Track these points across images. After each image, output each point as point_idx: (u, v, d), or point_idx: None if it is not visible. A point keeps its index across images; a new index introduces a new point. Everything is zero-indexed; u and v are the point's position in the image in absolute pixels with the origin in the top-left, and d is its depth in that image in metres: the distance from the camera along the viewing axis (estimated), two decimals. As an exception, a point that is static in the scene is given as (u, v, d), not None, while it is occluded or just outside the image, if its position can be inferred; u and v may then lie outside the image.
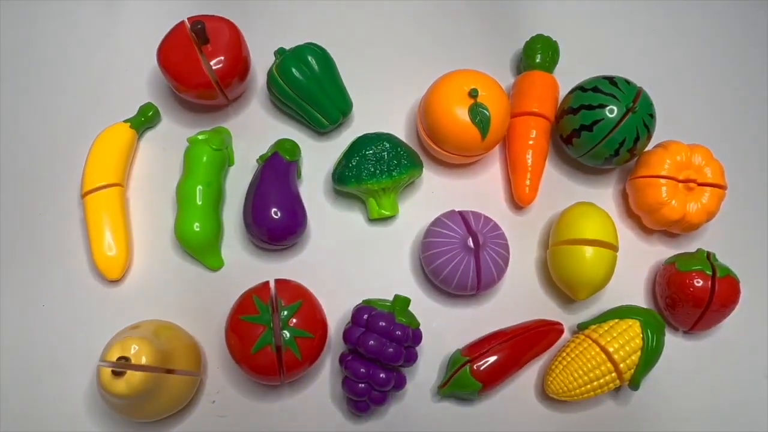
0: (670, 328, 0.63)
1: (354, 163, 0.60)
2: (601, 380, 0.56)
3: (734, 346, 0.63)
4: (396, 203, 0.63)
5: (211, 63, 0.59)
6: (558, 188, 0.67)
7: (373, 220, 0.64)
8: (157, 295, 0.61)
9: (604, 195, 0.67)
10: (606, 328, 0.58)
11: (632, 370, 0.56)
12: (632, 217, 0.66)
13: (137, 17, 0.71)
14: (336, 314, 0.61)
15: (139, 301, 0.61)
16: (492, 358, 0.57)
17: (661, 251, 0.66)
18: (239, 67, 0.61)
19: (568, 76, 0.67)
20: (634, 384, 0.57)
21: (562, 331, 0.61)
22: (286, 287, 0.56)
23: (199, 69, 0.59)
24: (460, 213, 0.60)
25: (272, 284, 0.56)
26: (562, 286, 0.61)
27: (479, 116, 0.58)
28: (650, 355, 0.56)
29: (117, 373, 0.48)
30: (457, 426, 0.59)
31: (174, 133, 0.66)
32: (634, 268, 0.65)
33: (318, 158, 0.66)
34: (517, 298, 0.63)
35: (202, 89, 0.60)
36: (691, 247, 0.65)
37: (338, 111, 0.64)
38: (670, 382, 0.62)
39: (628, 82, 0.61)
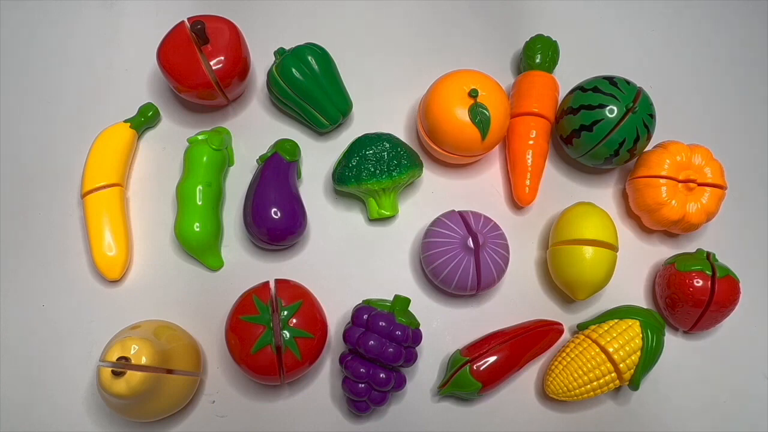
0: (670, 328, 0.63)
1: (354, 163, 0.60)
2: (601, 380, 0.56)
3: (734, 346, 0.63)
4: (396, 203, 0.63)
5: (211, 63, 0.59)
6: (558, 188, 0.67)
7: (373, 220, 0.64)
8: (157, 295, 0.61)
9: (604, 195, 0.67)
10: (606, 328, 0.58)
11: (632, 371, 0.56)
12: (632, 217, 0.66)
13: (137, 17, 0.71)
14: (336, 314, 0.61)
15: (139, 301, 0.61)
16: (492, 358, 0.57)
17: (661, 251, 0.66)
18: (239, 67, 0.61)
19: (568, 76, 0.67)
20: (634, 384, 0.57)
21: (562, 331, 0.61)
22: (286, 287, 0.56)
23: (199, 69, 0.59)
24: (460, 213, 0.60)
25: (272, 284, 0.56)
26: (561, 286, 0.61)
27: (479, 116, 0.58)
28: (650, 355, 0.56)
29: (117, 373, 0.48)
30: (457, 426, 0.59)
31: (174, 133, 0.66)
32: (634, 268, 0.65)
33: (318, 158, 0.66)
34: (517, 298, 0.63)
35: (202, 89, 0.60)
36: (691, 247, 0.65)
37: (338, 111, 0.64)
38: (670, 382, 0.62)
39: (628, 82, 0.61)
